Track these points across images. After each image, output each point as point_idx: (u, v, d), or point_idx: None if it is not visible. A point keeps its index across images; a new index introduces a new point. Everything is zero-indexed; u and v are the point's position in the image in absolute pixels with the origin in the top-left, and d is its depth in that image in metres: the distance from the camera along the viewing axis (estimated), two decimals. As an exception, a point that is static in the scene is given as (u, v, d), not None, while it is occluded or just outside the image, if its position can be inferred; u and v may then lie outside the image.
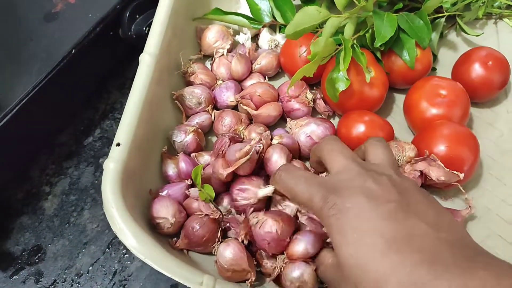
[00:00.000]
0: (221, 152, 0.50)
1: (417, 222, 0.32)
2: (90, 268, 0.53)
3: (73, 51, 0.55)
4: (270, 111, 0.56)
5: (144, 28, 0.61)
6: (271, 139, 0.53)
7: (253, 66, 0.62)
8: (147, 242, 0.41)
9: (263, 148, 0.49)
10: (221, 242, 0.46)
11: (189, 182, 0.51)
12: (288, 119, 0.57)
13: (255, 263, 0.47)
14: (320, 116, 0.58)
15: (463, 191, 0.49)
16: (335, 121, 0.58)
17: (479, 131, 0.56)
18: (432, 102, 0.53)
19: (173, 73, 0.58)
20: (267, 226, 0.45)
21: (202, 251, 0.48)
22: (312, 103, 0.57)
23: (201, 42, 0.64)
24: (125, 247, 0.52)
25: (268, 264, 0.46)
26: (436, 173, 0.48)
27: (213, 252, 0.47)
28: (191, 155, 0.54)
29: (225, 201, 0.50)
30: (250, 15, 0.64)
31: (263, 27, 0.64)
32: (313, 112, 0.59)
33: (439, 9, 0.61)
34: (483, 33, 0.62)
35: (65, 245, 0.55)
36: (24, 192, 0.59)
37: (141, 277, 0.52)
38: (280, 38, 0.64)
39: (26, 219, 0.57)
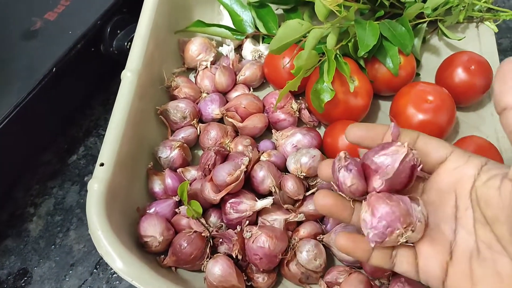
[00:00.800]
0: (207, 167, 0.50)
1: None
2: (78, 289, 0.52)
3: (54, 69, 0.54)
4: (256, 122, 0.56)
5: (125, 43, 0.60)
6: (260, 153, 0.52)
7: (237, 77, 0.61)
8: (134, 263, 0.40)
9: (249, 162, 0.49)
10: (210, 258, 0.46)
11: (176, 198, 0.50)
12: (273, 131, 0.57)
13: (245, 278, 0.46)
14: (306, 126, 0.58)
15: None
16: (321, 131, 0.58)
17: (465, 135, 0.56)
18: (419, 108, 0.53)
19: (156, 88, 0.57)
20: (260, 241, 0.44)
21: (191, 268, 0.47)
22: (298, 113, 0.57)
23: (184, 55, 0.63)
24: (113, 267, 0.51)
25: (259, 278, 0.46)
26: None
27: (202, 269, 0.47)
28: (178, 170, 0.53)
29: (213, 216, 0.49)
30: (233, 26, 0.64)
31: (246, 38, 0.64)
32: (298, 122, 0.58)
33: (420, 15, 0.61)
34: (465, 37, 0.62)
35: (51, 267, 0.54)
36: (8, 214, 0.58)
37: (131, 297, 0.51)
38: (263, 48, 0.64)
39: (11, 242, 0.56)
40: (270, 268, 0.46)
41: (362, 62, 0.57)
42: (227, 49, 0.64)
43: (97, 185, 0.43)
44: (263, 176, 0.49)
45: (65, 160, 0.61)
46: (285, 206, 0.49)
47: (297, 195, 0.49)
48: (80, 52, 0.57)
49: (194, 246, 0.46)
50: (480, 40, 0.64)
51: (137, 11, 0.57)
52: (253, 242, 0.45)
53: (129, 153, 0.48)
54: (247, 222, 0.47)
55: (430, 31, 0.65)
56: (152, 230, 0.47)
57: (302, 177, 0.50)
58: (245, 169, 0.47)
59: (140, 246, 0.47)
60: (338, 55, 0.51)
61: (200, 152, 0.58)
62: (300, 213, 0.48)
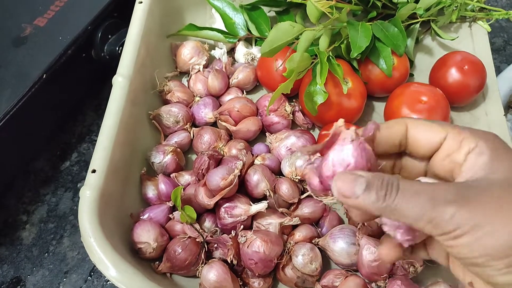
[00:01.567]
0: (201, 171, 0.50)
1: None
2: (72, 298, 0.52)
3: (44, 76, 0.54)
4: (249, 126, 0.56)
5: (117, 48, 0.60)
6: (254, 157, 0.52)
7: (230, 80, 0.61)
8: (128, 271, 0.40)
9: (243, 166, 0.48)
10: (205, 263, 0.46)
11: (170, 204, 0.50)
12: (267, 134, 0.56)
13: (241, 283, 0.46)
14: (300, 128, 0.58)
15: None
16: (315, 133, 0.58)
17: (459, 135, 0.56)
18: (413, 108, 0.53)
19: (149, 93, 0.57)
20: (255, 246, 0.44)
21: (186, 274, 0.47)
22: (291, 115, 0.57)
23: (176, 59, 0.63)
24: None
25: (255, 283, 0.46)
26: None
27: (197, 275, 0.46)
28: (171, 175, 0.53)
29: (208, 221, 0.49)
30: (225, 29, 0.63)
31: (238, 40, 0.63)
32: (292, 125, 0.58)
33: (413, 15, 0.61)
34: (458, 37, 0.62)
35: (45, 275, 0.53)
36: (0, 222, 0.57)
37: (126, 304, 0.51)
38: (256, 51, 0.63)
39: (4, 250, 0.55)
40: (266, 273, 0.45)
41: (355, 64, 0.57)
42: (219, 52, 0.64)
43: (89, 192, 0.43)
44: (258, 180, 0.48)
45: (57, 167, 0.61)
46: (280, 209, 0.48)
47: (292, 199, 0.49)
48: (71, 58, 0.57)
49: (189, 251, 0.45)
50: (473, 39, 0.64)
51: (128, 15, 0.56)
52: (248, 247, 0.44)
53: (121, 159, 0.48)
54: (242, 226, 0.47)
55: (423, 32, 0.65)
56: (146, 236, 0.46)
57: (297, 180, 0.50)
58: (239, 173, 0.47)
59: (134, 253, 0.46)
60: (331, 57, 0.51)
61: (194, 157, 0.57)
62: (295, 217, 0.48)
